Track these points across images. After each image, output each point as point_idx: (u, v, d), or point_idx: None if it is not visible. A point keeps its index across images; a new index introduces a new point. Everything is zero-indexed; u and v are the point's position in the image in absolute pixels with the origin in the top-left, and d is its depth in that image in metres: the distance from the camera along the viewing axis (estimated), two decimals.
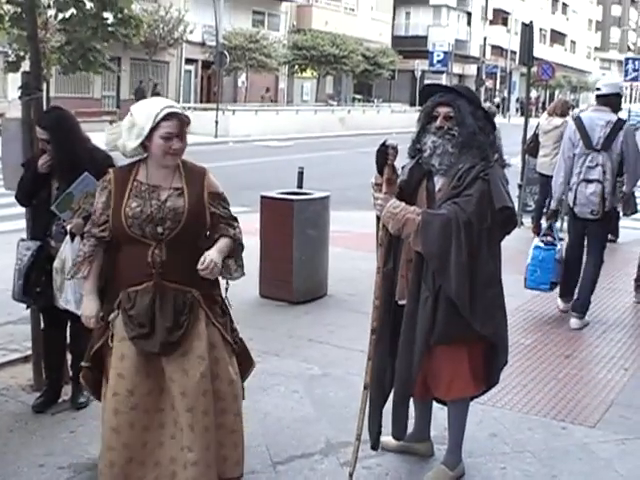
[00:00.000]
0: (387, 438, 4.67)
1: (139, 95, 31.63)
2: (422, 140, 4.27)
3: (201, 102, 40.86)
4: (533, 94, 56.10)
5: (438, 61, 54.99)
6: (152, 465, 3.98)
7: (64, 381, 5.44)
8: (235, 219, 4.06)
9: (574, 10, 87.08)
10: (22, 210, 5.52)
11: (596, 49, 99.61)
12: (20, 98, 5.47)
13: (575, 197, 7.30)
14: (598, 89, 7.66)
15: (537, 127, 11.87)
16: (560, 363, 6.53)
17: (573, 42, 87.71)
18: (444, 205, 4.11)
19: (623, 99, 7.94)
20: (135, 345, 3.86)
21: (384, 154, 4.15)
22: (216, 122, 30.32)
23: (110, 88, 37.19)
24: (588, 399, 5.80)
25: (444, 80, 49.39)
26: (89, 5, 6.34)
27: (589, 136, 7.25)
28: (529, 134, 12.50)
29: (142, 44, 31.92)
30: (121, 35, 6.80)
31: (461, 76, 61.39)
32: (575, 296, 7.69)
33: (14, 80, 8.98)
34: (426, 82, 36.20)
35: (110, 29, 6.55)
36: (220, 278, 4.01)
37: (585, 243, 7.70)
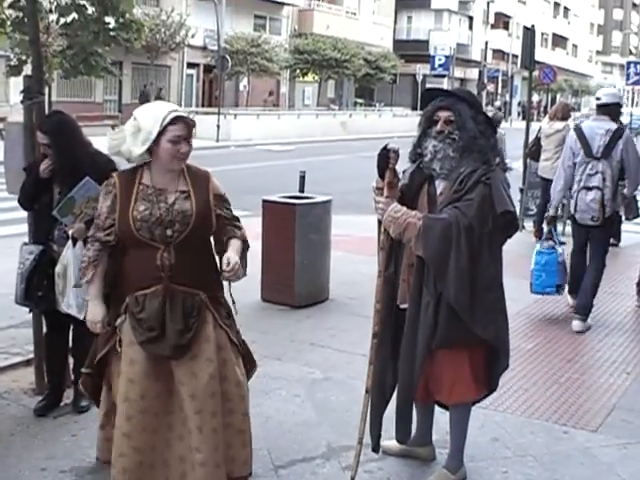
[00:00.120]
0: (389, 442, 4.68)
1: (143, 99, 31.70)
2: (423, 144, 4.28)
3: (203, 106, 40.91)
4: (535, 98, 56.09)
5: (440, 65, 55.12)
6: (161, 466, 4.00)
7: (66, 385, 5.45)
8: (238, 219, 4.11)
9: (576, 14, 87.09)
10: (25, 214, 5.53)
11: (598, 53, 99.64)
12: (22, 102, 5.48)
13: (576, 204, 7.45)
14: (598, 98, 7.78)
15: (539, 131, 11.88)
16: (562, 367, 6.53)
17: (575, 46, 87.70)
18: (445, 209, 4.11)
19: (625, 103, 8.07)
20: (144, 349, 3.86)
21: (385, 158, 4.15)
22: (218, 126, 30.37)
23: (112, 92, 37.23)
24: (590, 403, 5.79)
25: (445, 84, 49.46)
26: (91, 10, 6.33)
27: (589, 145, 7.40)
28: (531, 138, 12.50)
29: (144, 48, 31.94)
30: (123, 39, 6.78)
31: (463, 80, 61.45)
32: (577, 299, 7.76)
33: (16, 84, 8.96)
34: (427, 86, 36.23)
35: (112, 33, 6.54)
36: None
37: (587, 248, 7.79)
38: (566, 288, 8.04)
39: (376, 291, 4.29)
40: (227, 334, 4.04)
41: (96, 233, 3.95)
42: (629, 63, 27.15)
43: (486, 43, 60.64)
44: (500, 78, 66.00)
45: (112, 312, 3.97)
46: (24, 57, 6.41)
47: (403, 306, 4.30)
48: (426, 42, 58.27)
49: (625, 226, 11.49)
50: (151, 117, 3.81)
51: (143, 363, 3.88)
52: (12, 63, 6.59)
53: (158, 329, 3.84)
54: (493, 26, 66.92)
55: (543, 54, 58.64)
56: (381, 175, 4.21)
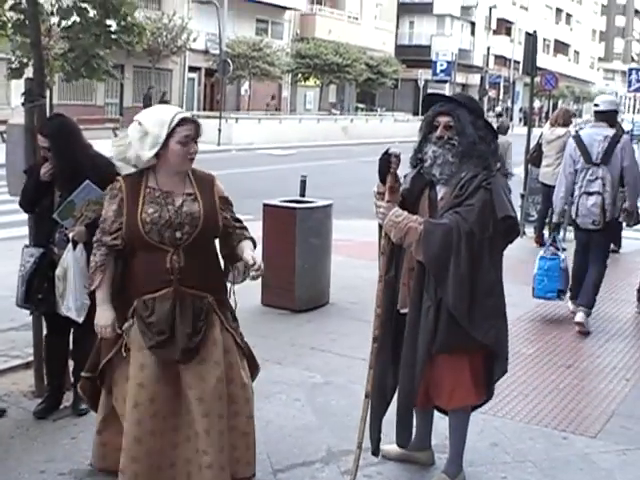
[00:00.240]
0: (388, 446, 4.67)
1: (146, 101, 31.74)
2: (423, 150, 4.28)
3: (204, 110, 40.90)
4: (536, 104, 56.13)
5: (441, 70, 55.08)
6: (168, 467, 4.01)
7: (65, 387, 5.45)
8: (241, 221, 4.14)
9: (578, 20, 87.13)
10: (25, 217, 5.54)
11: (600, 59, 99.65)
12: (23, 105, 5.48)
13: (577, 209, 7.64)
14: (597, 105, 7.98)
15: (540, 137, 11.89)
16: (561, 373, 6.52)
17: (577, 52, 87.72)
18: (446, 214, 4.12)
19: (627, 109, 8.34)
20: (154, 354, 3.87)
21: (387, 162, 4.15)
22: (219, 130, 30.36)
23: (113, 95, 37.25)
24: (589, 409, 5.79)
25: (447, 90, 49.45)
26: (92, 12, 6.35)
27: (588, 152, 7.59)
28: (532, 144, 12.51)
29: (145, 52, 32.03)
30: (124, 42, 6.80)
31: (464, 86, 61.42)
32: (579, 299, 7.91)
33: (17, 87, 8.97)
34: (428, 91, 36.23)
35: (113, 36, 6.56)
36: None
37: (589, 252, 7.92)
38: (567, 294, 8.13)
39: (377, 295, 4.29)
40: (233, 337, 4.07)
41: (102, 237, 3.92)
42: (631, 70, 27.15)
43: (488, 49, 60.61)
44: (502, 84, 65.94)
45: (118, 316, 3.96)
46: (25, 60, 6.43)
47: (403, 311, 4.30)
48: (428, 47, 58.23)
49: (625, 232, 11.51)
50: (157, 121, 3.81)
51: (153, 367, 3.88)
52: (13, 66, 6.62)
53: (168, 332, 3.84)
54: (495, 32, 66.90)
55: (545, 60, 58.63)
56: (382, 180, 4.21)
